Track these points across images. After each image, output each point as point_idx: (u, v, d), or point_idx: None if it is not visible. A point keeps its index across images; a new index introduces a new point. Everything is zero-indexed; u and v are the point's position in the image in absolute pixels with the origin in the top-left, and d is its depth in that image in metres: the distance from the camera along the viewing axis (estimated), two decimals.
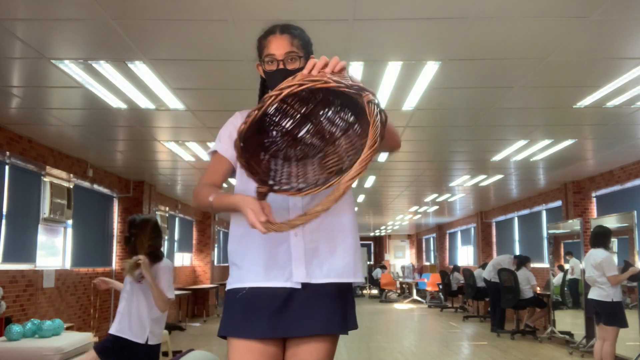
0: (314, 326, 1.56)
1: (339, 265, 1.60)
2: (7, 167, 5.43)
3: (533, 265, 9.66)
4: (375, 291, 19.54)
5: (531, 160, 6.90)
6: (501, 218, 12.77)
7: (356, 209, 10.81)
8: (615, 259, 7.01)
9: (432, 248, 20.91)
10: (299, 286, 1.56)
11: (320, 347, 1.58)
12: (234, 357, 1.56)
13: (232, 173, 1.71)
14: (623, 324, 5.45)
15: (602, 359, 5.47)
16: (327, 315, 1.57)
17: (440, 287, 14.64)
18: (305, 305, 1.57)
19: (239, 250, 1.63)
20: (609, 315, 5.43)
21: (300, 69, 1.58)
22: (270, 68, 1.61)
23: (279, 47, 1.61)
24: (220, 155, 1.69)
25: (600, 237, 5.62)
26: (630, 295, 6.63)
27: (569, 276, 8.23)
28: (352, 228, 1.66)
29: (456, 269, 13.94)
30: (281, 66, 1.60)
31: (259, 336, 1.55)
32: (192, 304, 11.84)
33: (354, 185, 1.90)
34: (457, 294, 13.68)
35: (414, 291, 16.84)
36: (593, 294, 5.55)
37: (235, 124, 1.71)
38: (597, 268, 5.45)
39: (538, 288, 9.33)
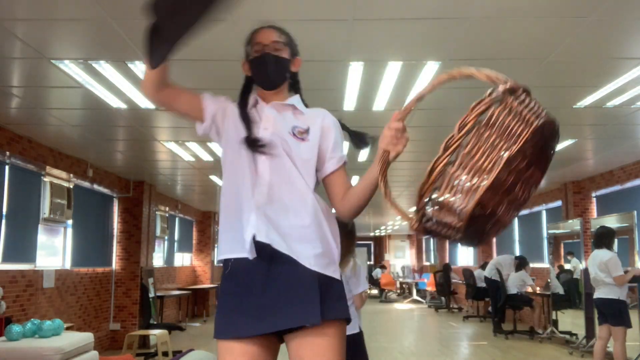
0: (300, 316, 1.44)
1: (297, 246, 1.49)
2: (7, 167, 5.43)
3: (533, 265, 9.67)
4: (375, 291, 19.54)
5: None
6: None
7: None
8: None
9: (432, 248, 20.90)
10: (267, 241, 1.46)
11: (320, 341, 1.45)
12: (221, 358, 1.50)
13: (195, 114, 1.72)
14: (629, 323, 5.40)
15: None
16: (309, 302, 1.45)
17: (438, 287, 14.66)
18: (285, 292, 1.46)
19: (220, 225, 1.62)
20: (616, 314, 5.35)
21: (287, 59, 1.63)
22: (256, 55, 1.63)
23: (265, 36, 1.63)
24: (201, 99, 1.71)
25: (604, 238, 5.54)
26: (631, 295, 6.62)
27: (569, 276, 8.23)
28: (311, 207, 1.54)
29: (447, 268, 13.88)
30: (267, 50, 1.61)
31: (243, 334, 1.46)
32: (192, 304, 11.83)
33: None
34: (451, 293, 13.72)
35: (414, 291, 16.84)
36: (600, 294, 5.45)
37: (231, 108, 1.75)
38: (602, 269, 5.36)
39: (538, 288, 9.32)
